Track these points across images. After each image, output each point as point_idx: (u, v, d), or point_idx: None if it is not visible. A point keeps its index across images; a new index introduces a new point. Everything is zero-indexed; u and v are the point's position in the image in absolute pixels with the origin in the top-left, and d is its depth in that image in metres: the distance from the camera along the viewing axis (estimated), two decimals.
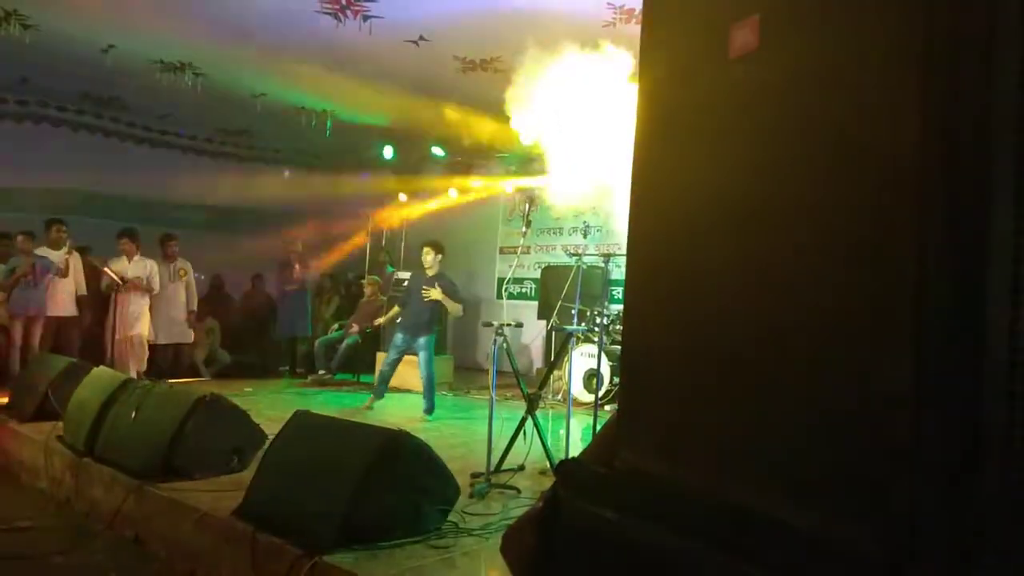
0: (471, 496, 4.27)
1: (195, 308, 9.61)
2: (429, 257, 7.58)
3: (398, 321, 7.92)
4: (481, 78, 8.96)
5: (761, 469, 1.19)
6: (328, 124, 11.39)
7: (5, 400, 6.73)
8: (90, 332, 9.28)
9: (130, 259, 8.73)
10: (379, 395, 7.93)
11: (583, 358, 8.36)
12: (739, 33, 1.24)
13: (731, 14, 1.25)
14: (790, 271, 1.19)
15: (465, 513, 3.84)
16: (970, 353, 0.96)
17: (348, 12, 7.63)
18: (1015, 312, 0.93)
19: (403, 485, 3.51)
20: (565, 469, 1.51)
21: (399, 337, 7.69)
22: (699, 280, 1.37)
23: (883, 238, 1.05)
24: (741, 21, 1.22)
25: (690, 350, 1.36)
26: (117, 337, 8.40)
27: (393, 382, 9.41)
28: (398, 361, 7.81)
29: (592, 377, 7.90)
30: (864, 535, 1.00)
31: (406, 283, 9.72)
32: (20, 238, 8.59)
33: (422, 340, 7.57)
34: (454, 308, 7.53)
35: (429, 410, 7.48)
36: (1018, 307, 0.93)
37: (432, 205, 12.49)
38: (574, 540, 1.40)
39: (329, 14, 7.68)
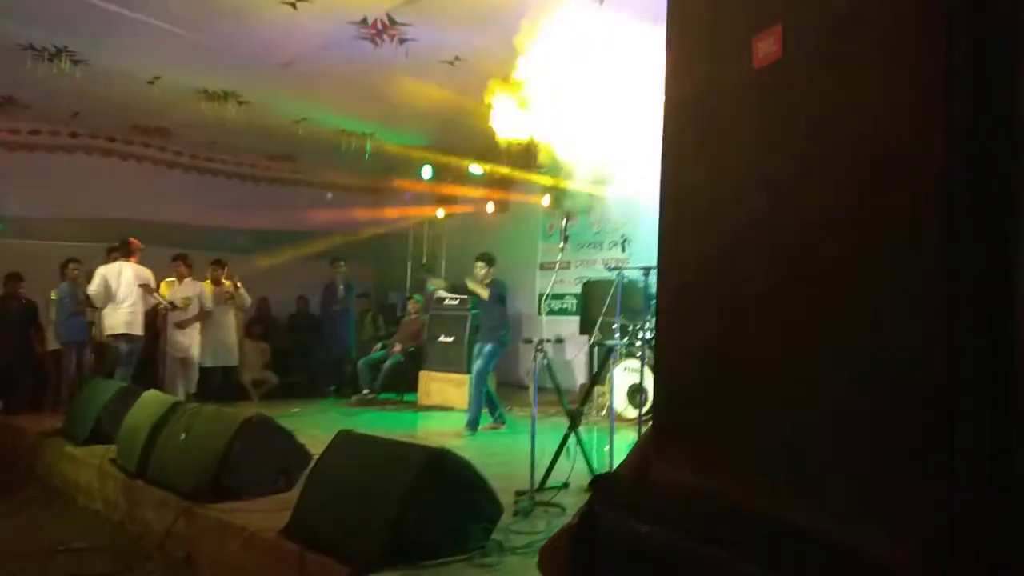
0: (515, 514, 4.25)
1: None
2: (481, 272, 7.78)
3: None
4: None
5: (797, 481, 1.17)
6: (367, 146, 11.56)
7: (60, 424, 6.92)
8: (144, 354, 9.44)
9: (180, 282, 8.92)
10: (499, 420, 7.86)
11: (626, 373, 8.29)
12: (762, 43, 1.24)
13: (754, 24, 1.25)
14: (821, 281, 1.18)
15: (510, 531, 3.83)
16: (1004, 357, 0.94)
17: (384, 36, 7.76)
18: None
19: (446, 503, 3.52)
20: (600, 484, 1.50)
21: (476, 346, 7.93)
22: (730, 292, 1.36)
23: (912, 245, 1.04)
24: (764, 31, 1.22)
25: (723, 363, 1.35)
26: (167, 359, 8.58)
27: (435, 399, 9.49)
28: (481, 371, 7.85)
29: (636, 392, 7.83)
30: (901, 547, 0.98)
31: (447, 300, 9.81)
32: (71, 266, 8.84)
33: (487, 348, 7.66)
34: (483, 292, 7.68)
35: (470, 424, 7.45)
36: None
37: (471, 222, 12.57)
38: (610, 555, 1.39)
39: (366, 39, 7.82)
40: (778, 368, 1.23)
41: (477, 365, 7.62)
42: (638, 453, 1.71)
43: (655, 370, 1.67)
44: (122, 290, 8.23)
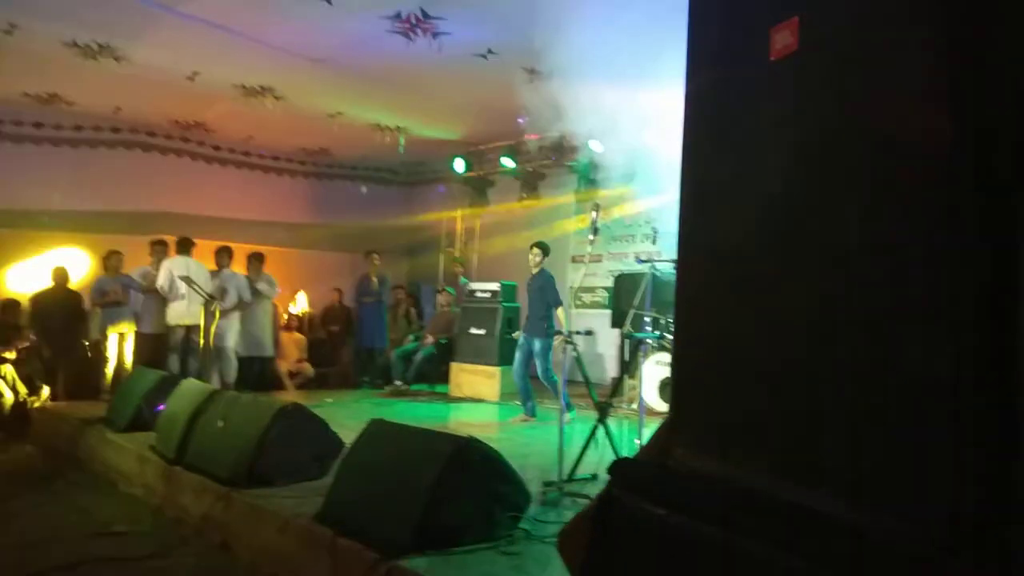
0: (543, 504, 4.28)
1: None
2: (537, 258, 7.85)
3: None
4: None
5: (809, 467, 1.19)
6: (401, 140, 11.65)
7: (103, 412, 7.11)
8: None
9: (219, 272, 9.09)
10: (530, 412, 7.87)
11: (657, 366, 8.27)
12: (779, 35, 1.25)
13: (772, 16, 1.26)
14: (835, 273, 1.19)
15: (537, 520, 3.86)
16: (1008, 349, 0.95)
17: (418, 31, 7.81)
18: None
19: (475, 491, 3.56)
20: (619, 468, 1.53)
21: (521, 336, 7.95)
22: (748, 283, 1.37)
23: (921, 239, 1.05)
24: (781, 23, 1.23)
25: (741, 352, 1.37)
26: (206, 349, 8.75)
27: (466, 391, 9.56)
28: (525, 362, 7.84)
29: (666, 385, 7.81)
30: (909, 531, 1.00)
31: (478, 293, 9.88)
32: (112, 257, 9.06)
33: (537, 344, 7.63)
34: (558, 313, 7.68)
35: (531, 412, 7.52)
36: None
37: (502, 215, 12.61)
38: (628, 537, 1.42)
39: (400, 34, 7.88)
40: (791, 360, 1.25)
41: (540, 366, 7.64)
42: (657, 440, 1.74)
43: (674, 359, 1.69)
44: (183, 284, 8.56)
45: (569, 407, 7.32)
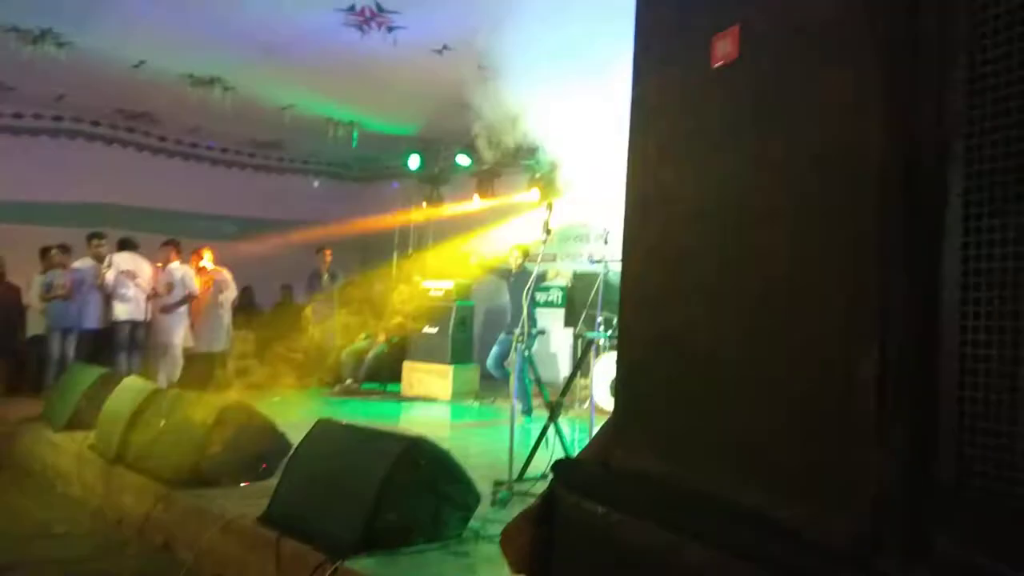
0: (493, 504, 4.28)
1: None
2: (519, 260, 8.18)
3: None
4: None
5: (743, 465, 1.22)
6: (354, 135, 11.52)
7: (40, 410, 6.91)
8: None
9: (164, 267, 8.89)
10: (529, 409, 7.75)
11: (609, 366, 8.33)
12: (721, 43, 1.26)
13: (714, 25, 1.28)
14: (767, 275, 1.22)
15: (487, 520, 3.86)
16: (929, 354, 0.98)
17: (372, 24, 7.74)
18: (964, 309, 0.95)
19: (423, 491, 3.54)
20: (562, 467, 1.54)
21: (502, 334, 8.17)
22: (687, 287, 1.40)
23: (850, 241, 1.08)
24: (723, 31, 1.25)
25: (678, 355, 1.39)
26: (150, 346, 8.57)
27: (418, 390, 9.51)
28: (502, 356, 8.02)
29: None
30: (836, 527, 1.02)
31: (431, 292, 9.86)
32: (55, 252, 8.81)
33: (506, 337, 7.78)
34: None
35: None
36: (966, 304, 0.95)
37: (457, 212, 12.56)
38: (569, 534, 1.44)
39: (354, 27, 7.79)
40: (729, 360, 1.27)
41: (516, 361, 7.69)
42: (599, 440, 1.75)
43: (618, 360, 1.71)
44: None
45: (528, 412, 7.35)
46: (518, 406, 7.34)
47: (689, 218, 1.42)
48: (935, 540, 0.95)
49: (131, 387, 5.72)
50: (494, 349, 8.17)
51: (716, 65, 1.29)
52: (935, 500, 0.96)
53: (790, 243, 1.19)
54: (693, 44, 1.34)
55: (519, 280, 7.91)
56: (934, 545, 0.95)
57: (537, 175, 11.16)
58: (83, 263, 8.77)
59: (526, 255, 8.14)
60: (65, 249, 8.88)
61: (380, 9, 7.43)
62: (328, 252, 10.86)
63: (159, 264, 8.97)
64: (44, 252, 8.97)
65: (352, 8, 7.43)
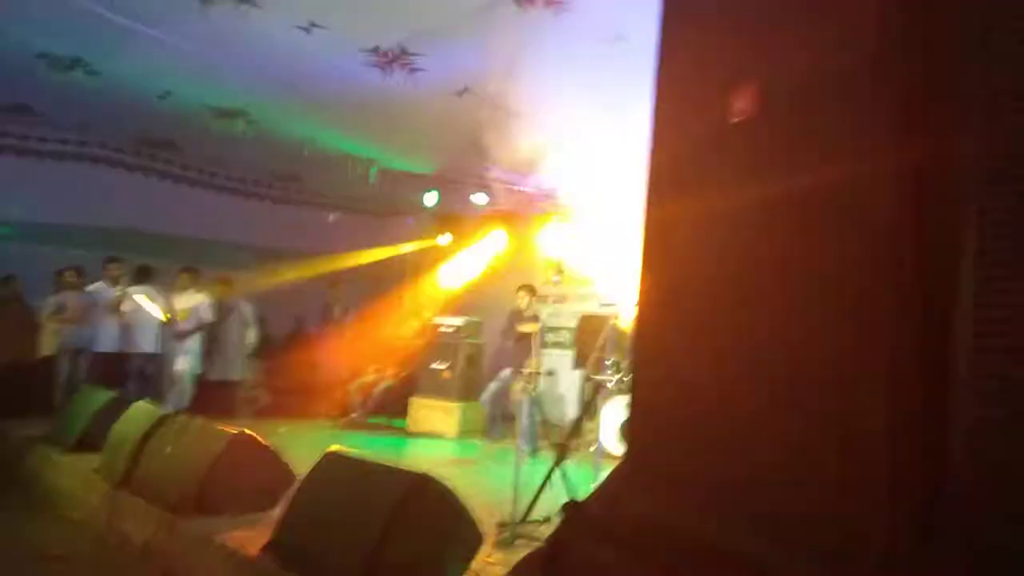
0: (496, 545, 4.25)
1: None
2: (525, 300, 8.32)
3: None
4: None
5: (751, 514, 1.22)
6: (372, 171, 11.65)
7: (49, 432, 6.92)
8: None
9: (181, 293, 8.95)
10: (534, 452, 7.68)
11: (616, 410, 8.29)
12: (738, 100, 1.30)
13: (732, 77, 1.32)
14: (778, 328, 1.24)
15: (487, 563, 3.83)
16: (937, 406, 0.99)
17: (394, 65, 7.88)
18: (977, 357, 0.97)
19: (427, 529, 3.53)
20: (570, 511, 1.54)
21: (507, 371, 8.33)
22: (698, 333, 1.41)
23: (862, 293, 1.10)
24: (740, 88, 1.29)
25: (689, 406, 1.41)
26: (163, 373, 8.60)
27: (424, 426, 9.48)
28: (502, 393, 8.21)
29: (626, 429, 7.83)
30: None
31: (442, 327, 9.91)
32: (68, 273, 8.90)
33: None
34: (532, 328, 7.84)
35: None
36: (980, 352, 0.97)
37: (472, 252, 12.63)
38: None
39: (376, 67, 7.94)
40: (738, 411, 1.28)
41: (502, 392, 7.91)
42: (609, 485, 1.75)
43: (630, 403, 1.72)
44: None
45: (534, 453, 7.32)
46: (524, 447, 7.36)
47: (702, 267, 1.44)
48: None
49: (140, 412, 5.74)
50: (492, 385, 8.23)
51: (732, 120, 1.32)
52: (943, 557, 0.96)
53: (797, 297, 1.21)
54: (709, 95, 1.39)
55: (517, 318, 8.07)
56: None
57: (554, 216, 11.23)
58: (97, 287, 8.85)
59: (533, 295, 8.24)
60: (79, 272, 8.97)
61: (404, 52, 7.57)
62: (341, 284, 10.92)
63: (177, 291, 9.01)
64: (59, 274, 9.07)
65: (376, 49, 7.58)
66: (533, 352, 7.12)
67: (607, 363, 6.82)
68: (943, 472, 0.97)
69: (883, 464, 1.00)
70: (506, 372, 8.20)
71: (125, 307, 8.57)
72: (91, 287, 8.85)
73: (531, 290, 8.31)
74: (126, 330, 8.78)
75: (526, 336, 7.81)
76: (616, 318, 6.63)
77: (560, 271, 5.42)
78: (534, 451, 7.43)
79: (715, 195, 1.41)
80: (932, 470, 0.98)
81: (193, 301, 8.96)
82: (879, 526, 1.01)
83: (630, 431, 1.66)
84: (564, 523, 1.52)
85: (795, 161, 1.24)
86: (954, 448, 0.96)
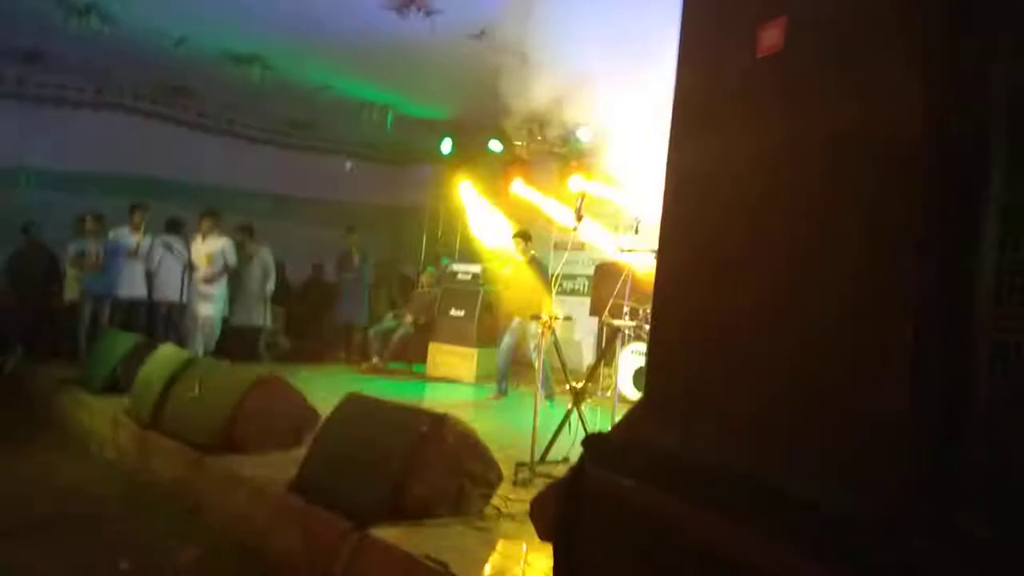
0: (514, 484, 4.36)
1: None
2: (521, 247, 8.20)
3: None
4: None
5: (765, 443, 1.26)
6: (389, 118, 11.60)
7: (78, 374, 7.09)
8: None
9: (204, 238, 9.00)
10: (504, 392, 8.24)
11: (633, 356, 8.37)
12: (767, 33, 1.30)
13: (760, 14, 1.32)
14: (796, 259, 1.26)
15: (508, 499, 3.93)
16: (960, 333, 1.01)
17: (412, 7, 7.78)
18: (998, 297, 0.99)
19: (448, 466, 3.62)
20: (591, 442, 1.60)
21: (515, 319, 8.23)
22: (717, 272, 1.44)
23: (886, 226, 1.11)
24: (769, 21, 1.29)
25: (707, 340, 1.44)
26: (186, 317, 8.72)
27: (443, 371, 9.62)
28: (514, 345, 8.17)
29: (641, 375, 7.91)
30: (858, 500, 1.06)
31: (459, 275, 9.96)
32: (88, 220, 8.97)
33: (533, 327, 7.85)
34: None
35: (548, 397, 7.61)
36: (1000, 296, 0.98)
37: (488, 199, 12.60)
38: (597, 505, 1.49)
39: (393, 9, 7.84)
40: (754, 340, 1.31)
41: (510, 342, 8.09)
42: (629, 418, 1.80)
43: (650, 340, 1.76)
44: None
45: (550, 397, 7.45)
46: (542, 391, 7.51)
47: (723, 205, 1.46)
48: (960, 518, 0.99)
49: (166, 355, 5.86)
50: (506, 338, 8.29)
51: (761, 55, 1.33)
52: (962, 480, 1.00)
53: (819, 228, 1.23)
54: (738, 34, 1.39)
55: (529, 266, 8.05)
56: (958, 523, 0.99)
57: (572, 163, 11.16)
58: (117, 232, 8.89)
59: (528, 241, 8.22)
60: (98, 218, 9.03)
61: None
62: (357, 231, 10.96)
63: (200, 235, 9.06)
64: (79, 220, 9.14)
65: None
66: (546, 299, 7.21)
67: (625, 309, 6.84)
68: (966, 401, 1.00)
69: (905, 392, 1.03)
70: (515, 322, 8.24)
71: (147, 254, 8.66)
72: (112, 233, 8.93)
73: (525, 236, 8.27)
74: (150, 277, 8.90)
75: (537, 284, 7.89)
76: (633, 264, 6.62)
77: (581, 203, 5.38)
78: (550, 396, 7.56)
79: (739, 133, 1.42)
80: (954, 399, 1.01)
81: (217, 245, 9.00)
82: (902, 449, 1.04)
83: (649, 369, 1.71)
84: (585, 454, 1.58)
85: (822, 96, 1.25)
86: (978, 374, 0.99)
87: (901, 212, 1.07)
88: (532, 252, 8.22)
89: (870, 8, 1.16)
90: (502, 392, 8.28)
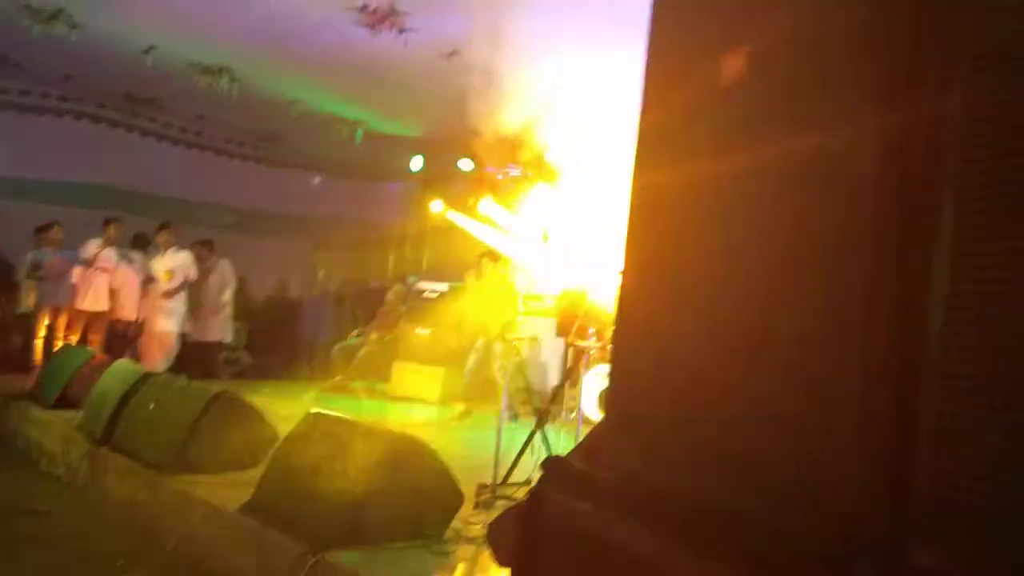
0: (476, 506, 4.31)
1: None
2: (488, 267, 8.32)
3: None
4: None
5: (726, 469, 1.26)
6: (358, 133, 11.56)
7: (29, 387, 6.90)
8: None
9: (164, 252, 8.84)
10: (467, 411, 8.18)
11: (598, 378, 8.36)
12: (728, 62, 1.31)
13: (724, 43, 1.33)
14: (756, 289, 1.26)
15: (469, 522, 3.88)
16: (910, 365, 1.02)
17: (385, 24, 7.78)
18: (950, 328, 1.00)
19: (407, 488, 3.57)
20: (550, 465, 1.58)
21: (480, 340, 8.24)
22: (678, 294, 1.44)
23: (842, 255, 1.12)
24: (731, 52, 1.30)
25: (667, 364, 1.44)
26: (143, 332, 8.54)
27: (408, 390, 9.54)
28: (477, 365, 8.21)
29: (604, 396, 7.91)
30: (817, 530, 1.06)
31: (426, 293, 9.92)
32: (56, 229, 8.78)
33: (497, 347, 7.91)
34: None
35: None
36: (952, 323, 0.99)
37: (456, 216, 12.60)
38: (554, 530, 1.47)
39: (365, 26, 7.84)
40: (714, 369, 1.32)
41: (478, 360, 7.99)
42: (589, 442, 1.79)
43: (611, 362, 1.76)
44: None
45: (515, 417, 7.44)
46: (505, 412, 7.52)
47: (686, 233, 1.46)
48: (910, 550, 0.99)
49: (122, 369, 5.73)
50: (471, 358, 8.30)
51: (723, 83, 1.34)
52: (912, 512, 1.00)
53: (777, 258, 1.23)
54: (700, 62, 1.39)
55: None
56: (908, 555, 0.99)
57: (538, 183, 11.20)
58: (88, 245, 8.66)
59: (495, 261, 8.30)
60: (58, 228, 8.85)
61: (393, 11, 7.48)
62: (323, 248, 10.89)
63: (160, 250, 8.89)
64: (40, 229, 8.94)
65: (365, 8, 7.48)
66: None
67: (591, 331, 6.85)
68: (916, 427, 1.01)
69: (856, 421, 1.04)
70: (480, 342, 8.24)
71: (106, 266, 8.47)
72: (86, 245, 8.66)
73: (493, 256, 8.34)
74: (107, 292, 8.71)
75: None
76: (595, 292, 6.67)
77: (544, 237, 5.42)
78: (515, 416, 7.53)
79: (702, 160, 1.43)
80: (904, 426, 1.01)
81: (177, 260, 8.86)
82: (852, 477, 1.04)
83: (609, 392, 1.70)
84: (544, 477, 1.56)
85: (781, 126, 1.26)
86: (926, 405, 1.00)
87: (858, 240, 1.08)
88: (501, 272, 8.25)
89: (829, 35, 1.18)
90: (466, 412, 8.24)
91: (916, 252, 1.03)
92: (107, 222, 8.80)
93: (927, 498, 0.98)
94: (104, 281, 8.65)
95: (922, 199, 1.02)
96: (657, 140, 1.57)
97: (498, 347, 7.75)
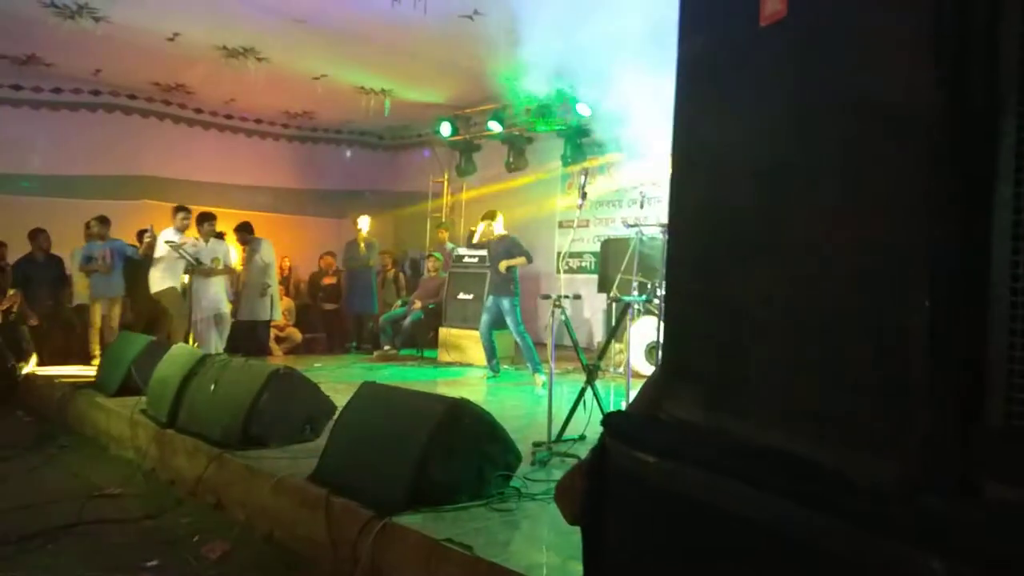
0: (533, 464, 4.37)
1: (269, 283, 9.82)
2: (489, 228, 8.26)
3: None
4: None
5: (790, 413, 1.26)
6: (386, 103, 11.56)
7: (92, 376, 7.14)
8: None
9: (207, 241, 8.95)
10: (495, 370, 8.39)
11: (644, 330, 8.36)
12: (769, 1, 1.29)
13: None
14: (813, 227, 1.25)
15: (527, 479, 3.95)
16: (976, 297, 1.01)
17: None
18: (1015, 258, 0.98)
19: (466, 451, 3.64)
20: (612, 419, 1.60)
21: (489, 298, 8.31)
22: (731, 240, 1.43)
23: (897, 192, 1.11)
24: None
25: (726, 308, 1.43)
26: (196, 317, 8.64)
27: (454, 355, 9.65)
28: (491, 323, 8.25)
29: (653, 349, 7.91)
30: (884, 470, 1.07)
31: (466, 258, 9.96)
32: (93, 223, 8.97)
33: (505, 304, 7.98)
34: (518, 261, 8.08)
35: (536, 370, 7.75)
36: (1018, 254, 0.98)
37: (489, 180, 12.57)
38: (620, 485, 1.49)
39: None
40: (775, 310, 1.31)
41: (511, 324, 8.05)
42: (646, 393, 1.81)
43: (665, 314, 1.76)
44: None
45: (538, 368, 7.52)
46: (528, 366, 7.65)
47: (734, 174, 1.45)
48: (983, 481, 0.99)
49: (180, 354, 5.88)
50: (483, 317, 8.33)
51: (764, 23, 1.31)
52: (983, 443, 1.00)
53: (833, 195, 1.22)
54: (740, 2, 1.37)
55: (500, 244, 8.17)
56: (982, 486, 0.99)
57: (568, 140, 11.10)
58: (164, 234, 8.68)
59: (492, 220, 8.30)
60: (104, 221, 9.03)
61: None
62: (363, 220, 10.94)
63: (203, 239, 8.96)
64: (86, 225, 9.15)
65: None
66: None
67: (633, 284, 6.84)
68: (985, 360, 1.00)
69: (924, 357, 1.03)
70: (489, 300, 8.29)
71: (158, 253, 8.55)
72: (163, 233, 8.67)
73: (491, 216, 8.31)
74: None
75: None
76: (640, 239, 6.61)
77: (585, 180, 5.35)
78: (537, 368, 7.64)
79: (746, 101, 1.41)
80: (974, 360, 1.01)
81: (222, 246, 9.01)
82: (919, 415, 1.04)
83: (665, 339, 1.70)
84: (605, 432, 1.58)
85: (827, 65, 1.23)
86: (995, 337, 0.99)
87: (916, 178, 1.06)
88: (503, 232, 8.26)
89: None
90: (493, 371, 8.39)
91: (975, 185, 1.01)
92: (176, 210, 8.72)
93: (1000, 432, 0.98)
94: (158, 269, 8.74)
95: (980, 133, 1.00)
96: (697, 86, 1.55)
97: (506, 303, 7.87)
